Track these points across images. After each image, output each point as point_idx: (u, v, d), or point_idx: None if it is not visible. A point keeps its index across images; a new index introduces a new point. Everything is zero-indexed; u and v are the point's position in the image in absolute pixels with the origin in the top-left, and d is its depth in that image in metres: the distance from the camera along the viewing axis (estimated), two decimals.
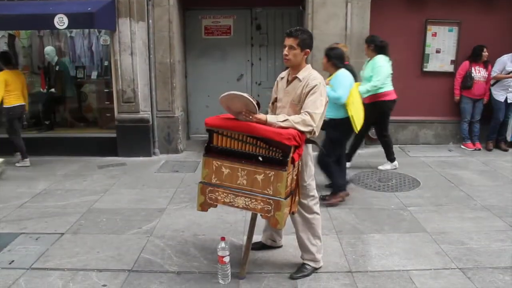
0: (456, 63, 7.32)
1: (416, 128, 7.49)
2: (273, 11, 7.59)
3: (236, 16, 7.61)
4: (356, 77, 4.63)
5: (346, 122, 4.47)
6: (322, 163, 4.60)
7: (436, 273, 3.33)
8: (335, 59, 4.47)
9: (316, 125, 3.00)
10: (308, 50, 3.15)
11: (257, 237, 3.60)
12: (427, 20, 7.20)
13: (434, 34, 7.26)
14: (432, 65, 7.36)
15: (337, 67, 4.46)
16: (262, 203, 2.98)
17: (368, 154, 6.90)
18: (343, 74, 4.40)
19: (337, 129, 4.53)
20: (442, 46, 7.31)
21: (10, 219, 4.47)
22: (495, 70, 6.92)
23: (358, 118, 4.48)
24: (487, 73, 7.02)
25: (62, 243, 3.91)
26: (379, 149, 6.97)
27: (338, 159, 4.77)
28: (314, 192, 3.30)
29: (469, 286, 3.15)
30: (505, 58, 6.86)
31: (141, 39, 6.69)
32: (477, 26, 7.18)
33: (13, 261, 3.57)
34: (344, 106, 4.46)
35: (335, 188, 4.72)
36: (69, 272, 3.39)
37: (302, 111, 3.03)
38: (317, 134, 3.10)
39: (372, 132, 7.27)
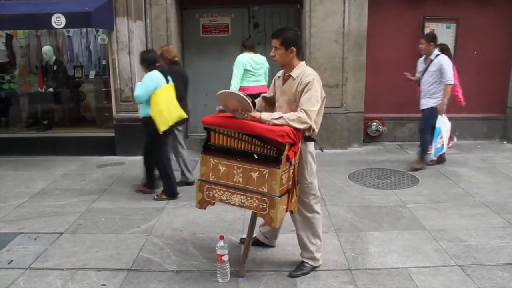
0: (454, 60, 7.31)
1: (414, 125, 7.45)
2: (270, 9, 7.57)
3: (233, 15, 7.60)
4: (168, 79, 4.78)
5: (151, 120, 4.61)
6: (153, 160, 4.92)
7: (435, 270, 3.33)
8: (145, 62, 4.77)
9: (313, 122, 2.99)
10: (293, 47, 3.09)
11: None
12: (425, 17, 7.19)
13: (432, 31, 7.24)
14: None
15: (148, 69, 4.69)
16: (257, 201, 2.97)
17: (367, 151, 6.90)
18: (149, 75, 4.63)
19: (147, 126, 4.69)
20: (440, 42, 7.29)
21: (8, 219, 4.47)
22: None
23: (162, 118, 4.59)
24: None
25: (61, 242, 3.90)
26: (377, 147, 6.99)
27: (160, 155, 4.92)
28: (316, 191, 3.29)
29: (468, 283, 3.15)
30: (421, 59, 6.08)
31: (138, 38, 6.68)
32: (475, 22, 7.18)
33: (11, 261, 3.56)
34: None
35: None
36: (68, 272, 3.38)
37: (298, 108, 3.02)
38: (316, 131, 3.09)
39: (371, 130, 7.30)
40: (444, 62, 5.62)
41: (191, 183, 5.24)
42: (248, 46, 6.13)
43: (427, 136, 5.89)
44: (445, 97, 5.63)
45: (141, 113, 4.79)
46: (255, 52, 6.19)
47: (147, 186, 5.11)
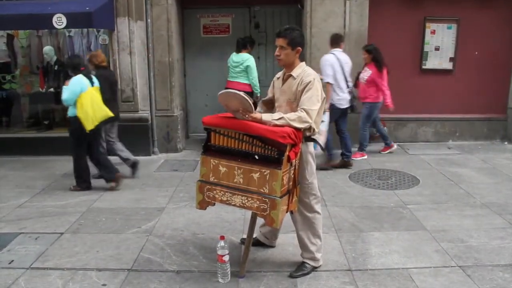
0: (455, 60, 7.32)
1: (415, 125, 7.48)
2: (271, 9, 7.58)
3: (234, 15, 7.60)
4: (93, 82, 5.11)
5: (78, 120, 4.97)
6: (91, 158, 5.32)
7: (435, 271, 3.33)
8: (69, 67, 5.18)
9: (313, 122, 3.00)
10: (299, 48, 3.14)
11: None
12: (426, 18, 7.19)
13: (433, 32, 7.26)
14: (431, 63, 7.36)
15: (74, 73, 5.05)
16: (258, 202, 2.97)
17: (367, 152, 6.89)
18: (74, 79, 4.98)
19: (75, 126, 5.04)
20: (441, 43, 7.30)
21: (9, 218, 4.47)
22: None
23: (88, 119, 4.94)
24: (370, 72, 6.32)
25: (62, 242, 3.91)
26: (378, 147, 6.99)
27: (90, 152, 5.31)
28: (316, 191, 3.29)
29: (469, 283, 3.15)
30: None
31: (139, 38, 6.69)
32: (476, 23, 7.17)
33: (12, 260, 3.57)
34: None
35: (110, 175, 5.30)
36: (68, 272, 3.39)
37: (298, 108, 3.03)
38: (317, 130, 3.09)
39: (371, 130, 7.28)
40: None
41: (135, 162, 5.80)
42: (237, 46, 6.72)
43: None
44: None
45: (69, 113, 5.11)
46: (239, 52, 6.68)
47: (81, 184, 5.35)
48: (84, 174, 5.32)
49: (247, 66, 6.59)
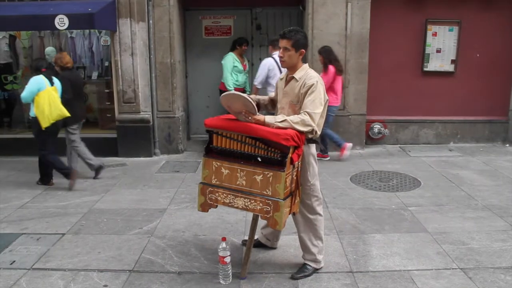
0: (456, 62, 7.32)
1: (417, 127, 7.48)
2: (273, 11, 7.59)
3: (236, 16, 7.61)
4: (52, 83, 5.29)
5: (36, 119, 5.19)
6: (42, 158, 5.47)
7: (437, 273, 3.33)
8: (31, 69, 5.48)
9: (316, 125, 3.00)
10: (303, 50, 3.15)
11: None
12: (428, 20, 7.19)
13: (435, 34, 7.26)
14: (433, 65, 7.36)
15: (35, 73, 5.28)
16: (261, 204, 2.97)
17: (369, 154, 6.90)
18: (33, 79, 5.20)
19: (35, 124, 5.23)
20: (442, 45, 7.30)
21: (11, 219, 4.48)
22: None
23: (44, 117, 5.14)
24: None
25: (63, 243, 3.91)
26: (379, 149, 7.00)
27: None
28: (318, 193, 3.29)
29: (471, 286, 3.15)
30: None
31: (141, 39, 6.70)
32: (478, 25, 7.18)
33: (14, 261, 3.57)
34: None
35: (66, 174, 5.47)
36: (70, 273, 3.39)
37: (301, 111, 3.03)
38: (318, 133, 3.10)
39: (373, 132, 7.30)
40: None
41: (100, 167, 5.86)
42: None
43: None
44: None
45: (30, 114, 5.32)
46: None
47: (68, 172, 5.53)
48: (64, 168, 5.54)
49: (222, 65, 6.75)
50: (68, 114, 5.35)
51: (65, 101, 5.39)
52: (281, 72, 5.84)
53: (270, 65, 6.07)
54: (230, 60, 6.75)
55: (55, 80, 5.39)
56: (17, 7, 6.45)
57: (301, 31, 3.19)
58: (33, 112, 5.22)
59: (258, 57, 7.66)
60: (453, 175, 5.76)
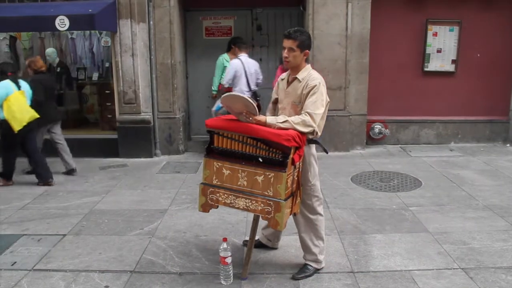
0: (457, 62, 7.32)
1: (417, 128, 7.48)
2: (273, 11, 7.59)
3: (236, 17, 7.61)
4: (19, 86, 5.33)
5: (6, 122, 5.26)
6: (28, 158, 5.64)
7: (438, 273, 3.32)
8: None
9: (316, 126, 3.00)
10: (307, 50, 3.15)
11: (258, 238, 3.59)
12: (428, 20, 7.19)
13: (435, 34, 7.26)
14: (433, 65, 7.36)
15: (2, 78, 5.31)
16: (262, 205, 2.97)
17: (370, 154, 6.90)
18: (1, 84, 5.24)
19: (2, 127, 5.33)
20: (443, 45, 7.30)
21: (12, 220, 4.48)
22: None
23: (15, 120, 5.21)
24: None
25: (64, 244, 3.91)
26: (380, 149, 7.00)
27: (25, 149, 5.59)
28: (319, 193, 3.29)
29: (472, 286, 3.15)
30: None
31: (142, 40, 6.70)
32: (478, 25, 7.17)
33: (15, 262, 3.57)
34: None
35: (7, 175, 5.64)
36: (71, 273, 3.39)
37: (302, 111, 3.03)
38: (319, 134, 3.09)
39: (374, 133, 7.30)
40: None
41: (72, 170, 6.02)
42: None
43: None
44: None
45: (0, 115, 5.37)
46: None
47: (5, 177, 5.68)
48: (9, 170, 5.65)
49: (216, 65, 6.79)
50: (37, 116, 5.40)
51: (37, 103, 5.48)
52: (246, 73, 6.18)
53: (237, 66, 6.22)
54: (220, 62, 6.76)
55: (22, 83, 5.42)
56: (17, 8, 6.45)
57: (305, 32, 3.20)
58: (2, 114, 5.25)
59: (259, 57, 7.66)
60: (454, 175, 5.76)
